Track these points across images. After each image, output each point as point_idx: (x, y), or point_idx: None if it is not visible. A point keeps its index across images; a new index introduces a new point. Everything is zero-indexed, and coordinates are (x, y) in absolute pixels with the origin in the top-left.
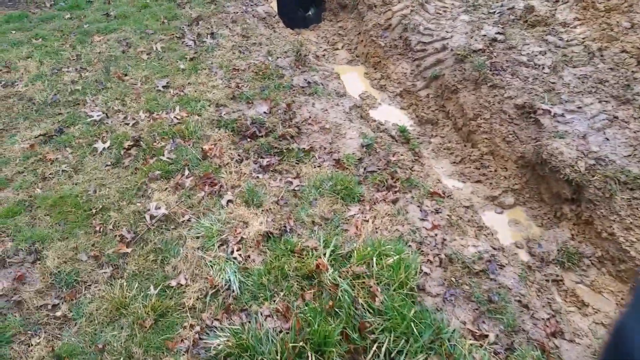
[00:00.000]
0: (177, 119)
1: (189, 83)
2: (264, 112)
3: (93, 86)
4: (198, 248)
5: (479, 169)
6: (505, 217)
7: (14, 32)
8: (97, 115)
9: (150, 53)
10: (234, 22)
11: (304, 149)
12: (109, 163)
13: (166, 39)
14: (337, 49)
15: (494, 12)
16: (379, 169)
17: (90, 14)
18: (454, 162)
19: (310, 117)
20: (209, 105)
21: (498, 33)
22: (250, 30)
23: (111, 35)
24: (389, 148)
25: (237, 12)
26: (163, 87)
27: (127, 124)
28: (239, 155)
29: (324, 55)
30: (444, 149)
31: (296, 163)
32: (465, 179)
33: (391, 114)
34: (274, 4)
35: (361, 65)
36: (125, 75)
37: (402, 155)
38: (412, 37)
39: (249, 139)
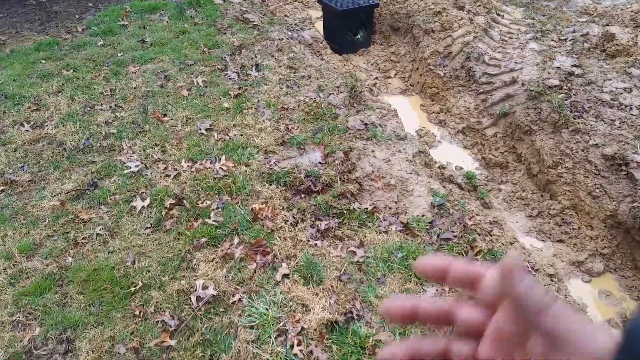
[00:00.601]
0: (223, 170)
1: (234, 125)
2: (319, 163)
3: (129, 129)
4: (252, 341)
5: (560, 225)
6: (594, 287)
7: (43, 62)
8: (135, 166)
9: (190, 88)
10: (279, 50)
11: (367, 209)
12: (149, 225)
13: (207, 70)
14: (390, 77)
15: (566, 39)
16: (454, 236)
17: (124, 41)
18: (530, 216)
19: (372, 172)
20: (257, 152)
21: (574, 65)
22: (298, 61)
23: (147, 65)
24: (463, 208)
25: (282, 39)
26: (206, 129)
27: (168, 176)
28: (293, 217)
29: (375, 84)
30: (518, 198)
31: (359, 227)
32: (545, 237)
33: (453, 154)
34: (321, 27)
35: (416, 95)
36: (165, 115)
37: (478, 215)
38: (476, 68)
39: (303, 195)
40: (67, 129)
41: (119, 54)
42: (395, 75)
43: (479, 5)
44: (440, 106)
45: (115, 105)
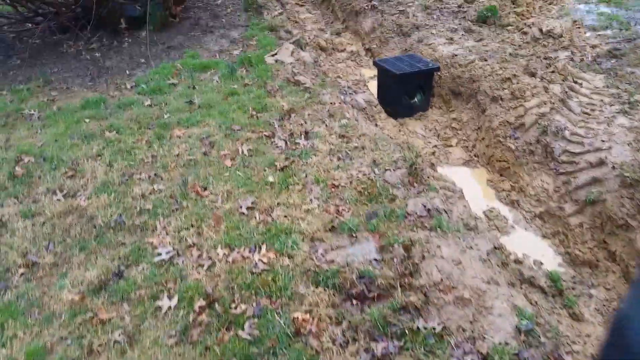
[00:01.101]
0: (263, 262)
1: (278, 203)
2: (374, 259)
3: (166, 204)
4: None
5: None
6: None
7: (87, 120)
8: (166, 252)
9: (235, 157)
10: (331, 116)
11: (435, 330)
12: (174, 334)
13: (254, 137)
14: (451, 145)
15: None
16: None
17: (172, 101)
18: None
19: (441, 280)
20: (303, 240)
21: None
22: (351, 128)
23: (193, 129)
24: (556, 334)
25: (334, 103)
26: (247, 208)
27: (201, 266)
28: (342, 335)
29: (434, 153)
30: (615, 309)
31: (425, 354)
32: None
33: (530, 244)
34: (375, 87)
35: (482, 167)
36: (205, 189)
37: (575, 344)
38: (554, 144)
39: (354, 301)
40: (100, 201)
41: (165, 116)
42: (457, 144)
43: (553, 72)
44: (512, 183)
45: (155, 174)
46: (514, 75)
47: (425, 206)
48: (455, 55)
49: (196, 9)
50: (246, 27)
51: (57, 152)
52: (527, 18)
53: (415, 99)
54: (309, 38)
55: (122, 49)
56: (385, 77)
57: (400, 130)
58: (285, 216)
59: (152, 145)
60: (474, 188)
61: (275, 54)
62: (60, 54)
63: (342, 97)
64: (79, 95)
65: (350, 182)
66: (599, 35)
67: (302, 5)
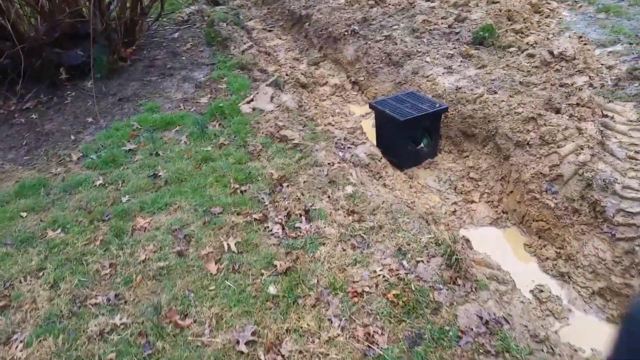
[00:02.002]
0: None
1: (287, 330)
2: None
3: (134, 348)
4: None
5: None
6: None
7: (24, 215)
8: None
9: (220, 258)
10: (331, 182)
11: None
12: None
13: (241, 223)
14: (473, 200)
15: None
16: None
17: (130, 176)
18: None
19: None
20: None
21: None
22: (359, 199)
23: (161, 216)
24: None
25: (333, 164)
26: (247, 343)
27: None
28: None
29: (454, 212)
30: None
31: None
32: None
33: (596, 333)
34: (369, 126)
35: (513, 227)
36: (185, 316)
37: None
38: (605, 201)
39: None
40: (43, 349)
41: (124, 199)
42: (479, 198)
43: (579, 105)
44: (557, 249)
45: (116, 295)
46: (540, 114)
47: (480, 317)
48: (460, 88)
49: (150, 46)
50: (212, 66)
51: None
52: (527, 36)
53: (422, 145)
54: (286, 73)
55: (64, 105)
56: (386, 122)
57: (411, 187)
58: (301, 352)
59: (108, 247)
60: (510, 257)
61: (252, 100)
62: None
63: (340, 153)
64: (12, 176)
65: (376, 285)
66: (611, 52)
67: (269, 31)
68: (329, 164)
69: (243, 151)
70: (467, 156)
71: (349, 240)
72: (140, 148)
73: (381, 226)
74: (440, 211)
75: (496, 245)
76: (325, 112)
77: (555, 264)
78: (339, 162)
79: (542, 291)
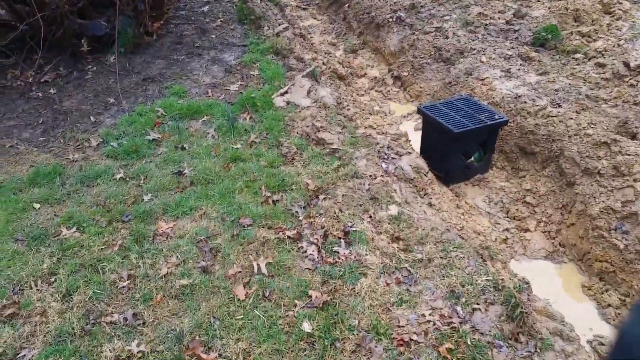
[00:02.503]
0: None
1: None
2: None
3: None
4: None
5: None
6: None
7: (37, 206)
8: None
9: (249, 281)
10: (373, 199)
11: None
12: None
13: (272, 240)
14: (527, 229)
15: None
16: None
17: (153, 171)
18: None
19: None
20: None
21: None
22: (404, 223)
23: (185, 222)
24: None
25: (375, 176)
26: None
27: None
28: None
29: (505, 240)
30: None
31: None
32: None
33: None
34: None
35: (571, 263)
36: (209, 349)
37: None
38: None
39: None
40: None
41: (145, 198)
42: (535, 227)
43: None
44: (621, 296)
45: (134, 315)
46: (615, 140)
47: None
48: (519, 96)
49: (178, 20)
50: (243, 48)
51: None
52: (595, 40)
53: (473, 158)
54: (322, 62)
55: (85, 81)
56: (435, 132)
57: (458, 206)
58: None
59: (128, 254)
60: (565, 297)
61: (286, 92)
62: (2, 89)
63: (383, 164)
64: (26, 159)
65: (426, 334)
66: None
67: (304, 9)
68: (370, 176)
69: (276, 152)
70: (523, 176)
71: (393, 272)
72: (165, 139)
73: (430, 259)
74: (490, 237)
75: (550, 282)
76: (364, 110)
77: (618, 314)
78: (381, 175)
79: (602, 344)
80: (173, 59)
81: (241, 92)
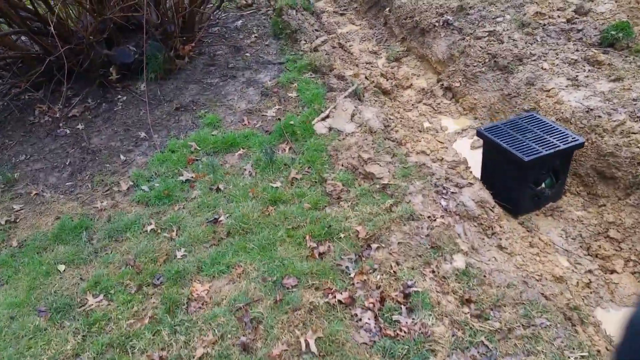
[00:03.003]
0: None
1: None
2: None
3: None
4: None
5: None
6: None
7: (62, 268)
8: None
9: None
10: (434, 247)
11: None
12: None
13: (321, 305)
14: (612, 270)
15: None
16: None
17: (187, 219)
18: None
19: None
20: None
21: None
22: (475, 279)
23: (222, 283)
24: None
25: (434, 218)
26: None
27: None
28: None
29: (589, 285)
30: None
31: None
32: None
33: None
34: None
35: None
36: None
37: None
38: None
39: None
40: None
41: (178, 254)
42: (623, 268)
43: None
44: None
45: None
46: None
47: None
48: (591, 110)
49: (210, 38)
50: (279, 66)
51: (10, 352)
52: None
53: (544, 185)
54: (365, 76)
55: (114, 113)
56: (500, 159)
57: (531, 244)
58: None
59: (159, 329)
60: None
61: (327, 116)
62: (30, 126)
63: (442, 201)
64: (52, 209)
65: None
66: None
67: (342, 14)
68: (429, 217)
69: (319, 191)
70: (604, 205)
71: (467, 349)
72: (199, 179)
73: (510, 329)
74: (571, 281)
75: None
76: (412, 127)
77: None
78: (441, 216)
79: None
80: (206, 83)
81: (279, 119)
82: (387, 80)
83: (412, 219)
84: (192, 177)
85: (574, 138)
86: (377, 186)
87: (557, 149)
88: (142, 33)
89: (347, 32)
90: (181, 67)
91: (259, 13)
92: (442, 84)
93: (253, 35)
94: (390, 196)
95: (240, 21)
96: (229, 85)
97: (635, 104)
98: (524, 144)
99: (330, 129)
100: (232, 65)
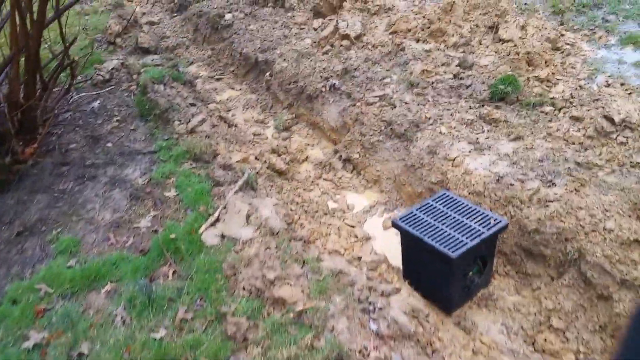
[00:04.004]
0: None
1: None
2: None
3: None
4: None
5: None
6: None
7: None
8: None
9: None
10: None
11: None
12: None
13: None
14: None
15: None
16: None
17: None
18: None
19: None
20: None
21: None
22: None
23: None
24: None
25: (367, 353)
26: None
27: None
28: None
29: None
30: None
31: None
32: None
33: None
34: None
35: None
36: None
37: None
38: None
39: None
40: None
41: None
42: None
43: None
44: None
45: None
46: None
47: None
48: (501, 177)
49: (61, 127)
50: (151, 156)
51: None
52: (555, 84)
53: (472, 274)
54: (254, 153)
55: None
56: (423, 254)
57: (474, 351)
58: None
59: None
60: None
61: (217, 219)
62: None
63: (371, 322)
64: None
65: None
66: None
67: (218, 79)
68: (360, 352)
69: (219, 333)
70: (538, 288)
71: None
72: (53, 341)
73: None
74: None
75: None
76: (317, 212)
77: None
78: (375, 347)
79: None
80: (58, 189)
81: (156, 230)
82: (280, 156)
83: (341, 358)
84: (44, 338)
85: (496, 220)
86: (291, 315)
87: (481, 236)
88: None
89: (227, 99)
90: (23, 172)
91: (120, 89)
92: (340, 156)
93: (115, 119)
94: (309, 327)
95: (98, 102)
96: (87, 189)
97: (542, 165)
98: (446, 234)
99: (222, 237)
100: (91, 162)
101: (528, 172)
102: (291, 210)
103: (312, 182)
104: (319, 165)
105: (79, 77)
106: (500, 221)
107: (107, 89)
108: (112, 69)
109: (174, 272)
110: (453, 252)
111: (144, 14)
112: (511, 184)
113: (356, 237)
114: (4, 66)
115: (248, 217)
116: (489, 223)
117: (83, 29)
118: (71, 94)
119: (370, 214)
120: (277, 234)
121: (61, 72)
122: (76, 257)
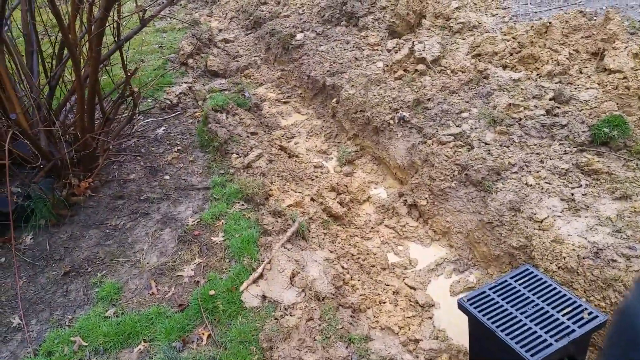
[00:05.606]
0: None
1: None
2: None
3: None
4: None
5: None
6: None
7: None
8: None
9: None
10: None
11: None
12: None
13: None
14: None
15: None
16: None
17: None
18: None
19: None
20: None
21: None
22: None
23: None
24: None
25: None
26: None
27: None
28: None
29: None
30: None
31: None
32: None
33: None
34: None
35: None
36: None
37: None
38: None
39: None
40: None
41: None
42: None
43: None
44: None
45: None
46: None
47: None
48: (600, 250)
49: (123, 154)
50: (205, 192)
51: None
52: None
53: None
54: (310, 194)
55: None
56: (495, 348)
57: None
58: None
59: None
60: None
61: (260, 276)
62: None
63: None
64: None
65: None
66: None
67: (286, 102)
68: None
69: None
70: None
71: None
72: None
73: None
74: None
75: None
76: (375, 267)
77: None
78: None
79: None
80: (110, 225)
81: (197, 281)
82: (340, 195)
83: None
84: None
85: (591, 314)
86: None
87: (571, 336)
88: (28, 168)
89: (292, 124)
90: (78, 206)
91: (186, 115)
92: (406, 200)
93: (176, 148)
94: None
95: (163, 128)
96: (139, 226)
97: None
98: (525, 328)
99: (264, 298)
100: (146, 196)
101: (635, 245)
102: (343, 267)
103: (372, 228)
104: (381, 208)
105: (149, 100)
106: (596, 316)
107: (173, 114)
108: (180, 93)
109: (208, 336)
110: (532, 355)
111: (220, 30)
112: (613, 260)
113: (416, 304)
114: (64, 102)
115: (292, 277)
116: (581, 317)
117: (159, 47)
118: (137, 118)
119: (437, 273)
120: (323, 299)
121: (121, 103)
122: (115, 307)
